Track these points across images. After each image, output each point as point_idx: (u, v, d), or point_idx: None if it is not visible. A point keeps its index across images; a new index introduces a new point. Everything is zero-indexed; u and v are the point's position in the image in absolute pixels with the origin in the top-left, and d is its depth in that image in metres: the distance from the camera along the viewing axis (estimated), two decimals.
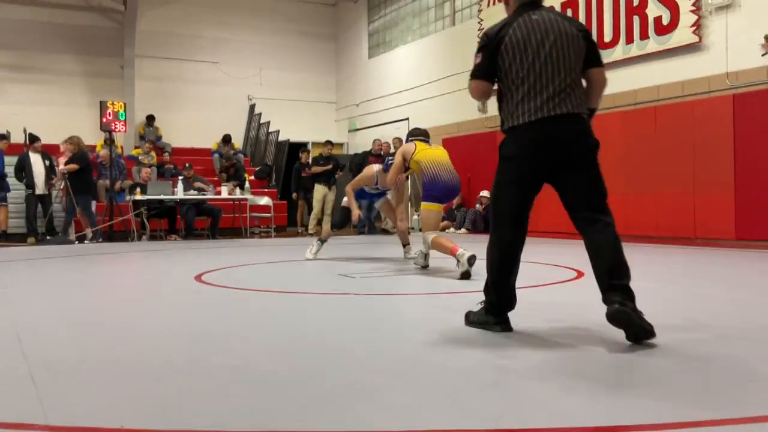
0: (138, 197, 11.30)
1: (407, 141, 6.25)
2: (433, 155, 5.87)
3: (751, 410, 2.06)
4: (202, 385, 2.43)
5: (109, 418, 2.05)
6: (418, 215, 7.04)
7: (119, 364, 2.82)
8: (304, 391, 2.33)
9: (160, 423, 2.00)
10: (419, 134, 6.17)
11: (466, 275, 5.35)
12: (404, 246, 7.08)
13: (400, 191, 6.83)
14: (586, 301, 4.46)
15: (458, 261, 5.36)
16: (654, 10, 9.79)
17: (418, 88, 15.01)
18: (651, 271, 5.98)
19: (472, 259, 5.32)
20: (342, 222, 7.09)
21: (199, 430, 1.92)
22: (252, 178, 15.34)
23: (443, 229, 12.87)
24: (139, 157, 14.08)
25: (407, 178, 6.58)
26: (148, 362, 2.84)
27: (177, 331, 3.53)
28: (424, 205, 5.79)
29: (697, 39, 9.25)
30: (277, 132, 16.29)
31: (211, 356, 2.89)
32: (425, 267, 6.09)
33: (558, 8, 11.32)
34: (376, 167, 6.83)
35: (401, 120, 15.53)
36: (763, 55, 8.51)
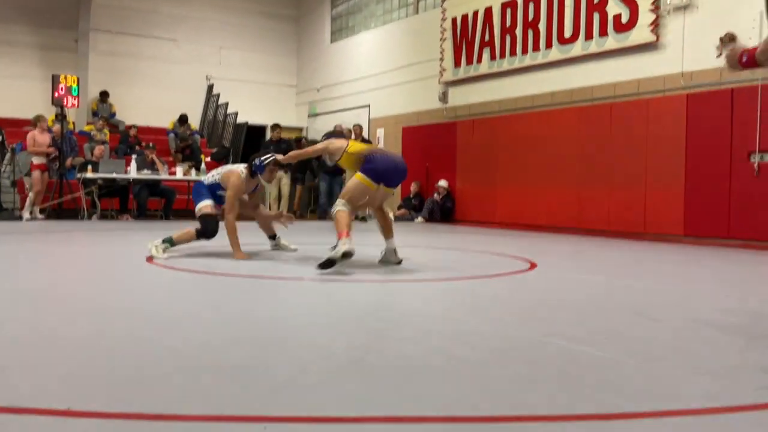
0: (89, 175, 11.03)
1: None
2: (368, 145, 5.60)
3: (698, 402, 2.11)
4: (150, 368, 2.39)
5: (55, 399, 2.00)
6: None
7: (65, 345, 2.75)
8: (254, 376, 2.31)
9: (107, 405, 1.96)
10: (341, 135, 5.87)
11: (326, 264, 4.80)
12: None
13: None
14: (538, 291, 4.53)
15: (335, 246, 4.86)
16: (614, 7, 9.93)
17: (380, 75, 14.97)
18: (601, 265, 6.11)
19: (346, 255, 4.78)
20: (212, 233, 5.99)
21: (146, 413, 1.89)
22: (208, 159, 15.11)
23: (400, 217, 12.92)
24: (92, 134, 13.73)
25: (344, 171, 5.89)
26: (95, 344, 2.78)
27: (126, 313, 3.46)
28: (358, 175, 5.12)
29: (654, 38, 9.42)
30: (236, 114, 16.07)
31: (160, 339, 2.85)
32: (399, 263, 5.54)
33: (521, 4, 11.42)
34: (239, 170, 5.97)
35: (362, 107, 15.48)
36: (717, 57, 8.70)
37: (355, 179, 5.13)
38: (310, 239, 7.81)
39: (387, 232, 5.60)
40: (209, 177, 6.15)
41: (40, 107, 14.27)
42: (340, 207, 5.03)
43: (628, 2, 9.74)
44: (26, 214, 10.88)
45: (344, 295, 4.18)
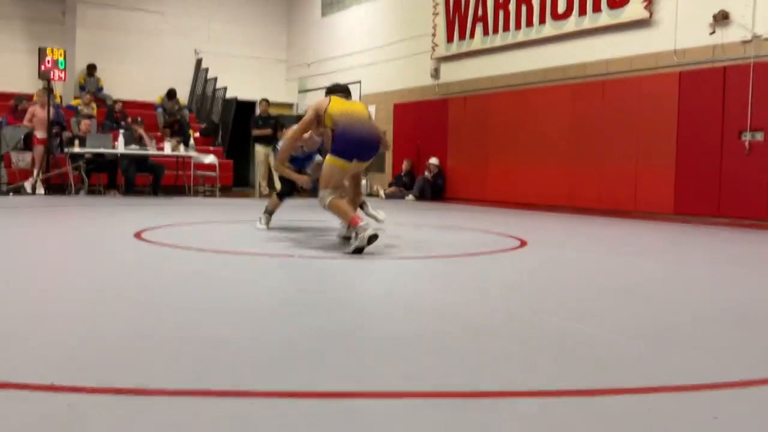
0: (76, 150, 10.91)
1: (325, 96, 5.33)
2: (349, 107, 5.05)
3: (684, 379, 2.11)
4: (136, 343, 2.36)
5: (38, 374, 1.97)
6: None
7: (49, 320, 2.72)
8: (241, 352, 2.29)
9: (90, 380, 1.94)
10: (338, 90, 5.37)
11: (357, 251, 4.62)
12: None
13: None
14: (528, 268, 4.53)
15: (356, 234, 4.63)
16: None
17: (371, 51, 14.84)
18: (592, 243, 6.11)
19: (372, 239, 4.57)
20: (289, 192, 6.26)
21: (129, 388, 1.87)
22: (197, 135, 14.99)
23: (391, 195, 12.88)
24: (79, 108, 13.57)
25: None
26: (80, 319, 2.75)
27: (113, 288, 3.42)
28: (328, 158, 4.88)
29: (648, 15, 9.36)
30: (225, 89, 15.91)
31: (146, 315, 2.82)
32: (348, 238, 5.11)
33: None
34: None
35: (353, 82, 15.33)
36: (711, 34, 8.67)
37: (327, 163, 4.89)
38: (300, 216, 7.77)
39: (354, 201, 5.42)
40: None
41: (27, 80, 14.10)
42: (329, 198, 4.82)
43: None
44: (29, 188, 10.87)
45: (333, 273, 4.16)
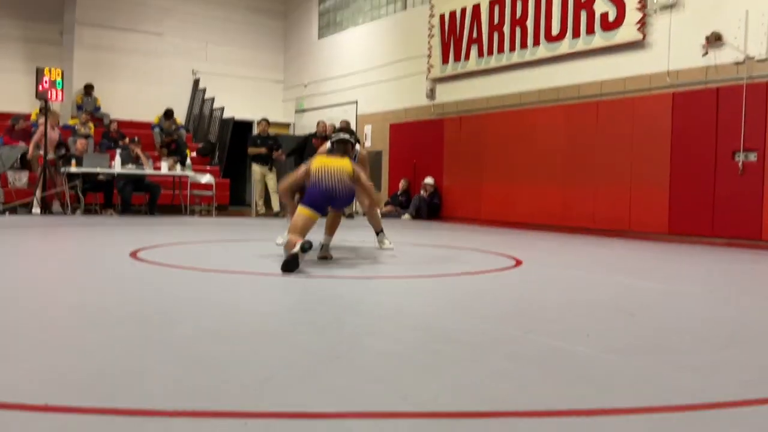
0: (73, 169, 10.93)
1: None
2: (327, 163, 5.40)
3: (677, 399, 2.12)
4: (132, 363, 2.37)
5: (33, 394, 1.97)
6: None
7: (45, 339, 2.72)
8: (235, 372, 2.29)
9: (84, 401, 1.94)
10: (339, 133, 5.77)
11: (289, 264, 4.79)
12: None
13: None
14: (523, 288, 4.54)
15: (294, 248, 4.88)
16: (601, 5, 9.96)
17: (368, 72, 14.94)
18: (586, 261, 6.12)
19: (284, 266, 4.81)
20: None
21: (124, 409, 1.87)
22: (194, 154, 15.03)
23: (387, 214, 12.92)
24: (76, 128, 13.61)
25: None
26: (76, 339, 2.75)
27: (108, 308, 3.43)
28: (299, 207, 5.27)
29: (641, 36, 9.45)
30: (222, 109, 15.98)
31: (142, 334, 2.82)
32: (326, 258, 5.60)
33: (508, 1, 11.42)
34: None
35: (349, 103, 15.44)
36: (703, 55, 8.76)
37: (298, 211, 5.21)
38: None
39: (329, 229, 5.73)
40: None
41: (24, 100, 14.16)
42: (286, 239, 5.12)
43: (615, 1, 9.77)
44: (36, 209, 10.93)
45: (327, 292, 4.17)
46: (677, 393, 2.18)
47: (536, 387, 2.21)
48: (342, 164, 5.44)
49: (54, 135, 11.43)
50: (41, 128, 11.47)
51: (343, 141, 5.65)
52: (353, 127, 14.07)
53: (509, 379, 2.29)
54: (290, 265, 4.73)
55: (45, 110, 11.53)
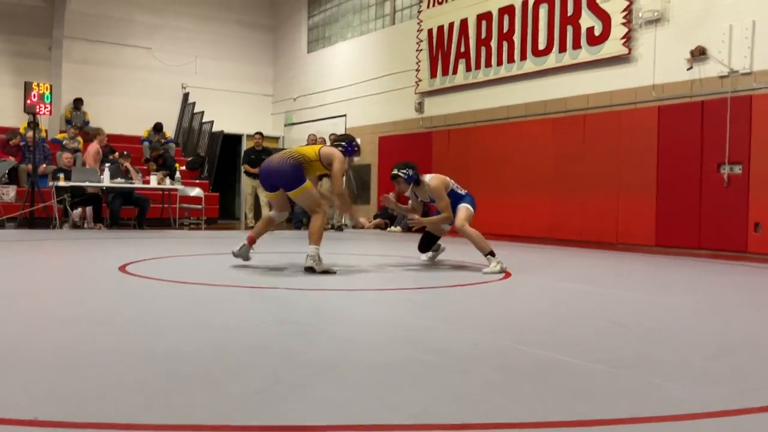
0: (61, 183, 10.88)
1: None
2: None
3: (667, 409, 2.14)
4: (122, 377, 2.36)
5: (22, 409, 1.97)
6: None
7: (35, 353, 2.71)
8: (228, 385, 2.29)
9: (74, 415, 1.93)
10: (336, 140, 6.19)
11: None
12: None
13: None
14: (512, 299, 4.56)
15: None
16: (587, 20, 10.07)
17: (356, 86, 15.00)
18: (576, 274, 6.16)
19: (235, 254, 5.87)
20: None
21: (114, 423, 1.87)
22: (183, 168, 15.01)
23: (377, 227, 12.93)
24: (64, 142, 13.57)
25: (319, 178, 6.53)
26: (65, 353, 2.74)
27: (97, 321, 3.42)
28: None
29: (626, 51, 9.56)
30: (211, 122, 15.99)
31: (132, 349, 2.82)
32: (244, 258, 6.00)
33: (496, 16, 11.52)
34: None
35: (338, 116, 15.49)
36: (688, 69, 8.87)
37: None
38: (285, 249, 7.77)
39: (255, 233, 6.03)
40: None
41: (12, 114, 14.12)
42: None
43: (600, 15, 9.89)
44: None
45: (316, 304, 4.17)
46: (666, 404, 2.20)
47: (527, 398, 2.23)
48: (300, 148, 5.92)
49: (101, 153, 12.15)
50: (90, 146, 12.13)
51: (393, 176, 6.25)
52: None
53: (500, 391, 2.30)
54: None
55: (33, 124, 11.50)
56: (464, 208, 6.25)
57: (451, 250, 7.21)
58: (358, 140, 6.41)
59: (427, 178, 6.34)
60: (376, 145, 14.16)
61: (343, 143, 5.96)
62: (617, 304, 4.42)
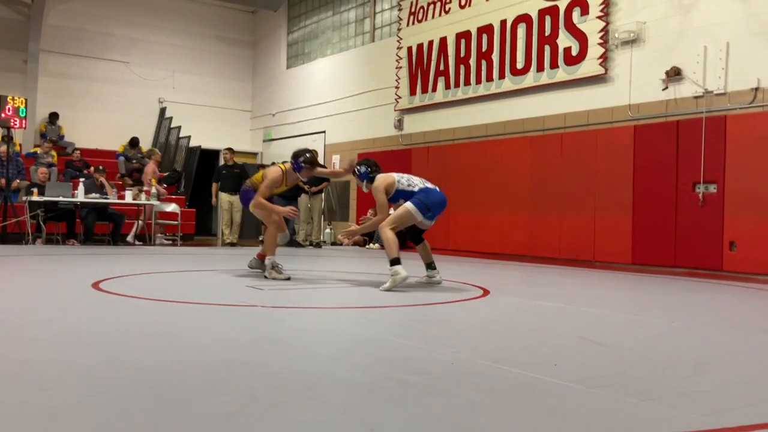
0: (34, 198, 10.72)
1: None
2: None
3: (644, 429, 2.13)
4: (93, 397, 2.31)
5: None
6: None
7: (4, 373, 2.64)
8: (203, 406, 2.24)
9: None
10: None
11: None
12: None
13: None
14: (490, 317, 4.55)
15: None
16: (564, 40, 10.20)
17: (336, 102, 15.03)
18: (554, 293, 6.17)
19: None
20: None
21: None
22: (160, 183, 14.87)
23: (355, 244, 12.90)
24: (38, 155, 13.39)
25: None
26: (36, 372, 2.67)
27: (69, 340, 3.34)
28: None
29: (603, 71, 9.69)
30: (189, 138, 15.91)
31: (104, 368, 2.76)
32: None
33: (474, 35, 11.63)
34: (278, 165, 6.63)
35: (318, 132, 15.49)
36: (663, 90, 9.00)
37: None
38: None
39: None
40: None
41: None
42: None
43: (577, 36, 10.02)
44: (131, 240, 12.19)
45: (294, 323, 4.13)
46: (643, 423, 2.20)
47: (506, 418, 2.21)
48: (256, 174, 6.53)
49: (158, 171, 12.82)
50: (148, 167, 12.81)
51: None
52: (321, 157, 14.10)
53: (479, 411, 2.28)
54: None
55: (8, 138, 11.34)
56: (401, 209, 5.98)
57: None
58: (317, 153, 6.64)
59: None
60: (355, 162, 14.14)
61: (291, 160, 6.38)
62: (594, 323, 4.43)
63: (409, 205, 5.94)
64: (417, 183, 6.15)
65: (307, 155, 6.34)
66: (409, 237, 6.47)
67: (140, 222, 12.36)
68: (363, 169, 6.24)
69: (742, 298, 6.22)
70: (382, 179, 6.10)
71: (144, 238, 12.33)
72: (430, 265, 6.37)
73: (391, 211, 6.24)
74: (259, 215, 6.47)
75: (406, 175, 6.24)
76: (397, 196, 6.09)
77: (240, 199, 6.69)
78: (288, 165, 6.44)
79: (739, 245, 8.19)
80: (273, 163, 12.74)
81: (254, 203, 6.26)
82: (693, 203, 8.59)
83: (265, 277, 6.21)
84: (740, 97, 8.31)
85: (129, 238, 12.23)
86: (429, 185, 6.17)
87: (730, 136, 8.28)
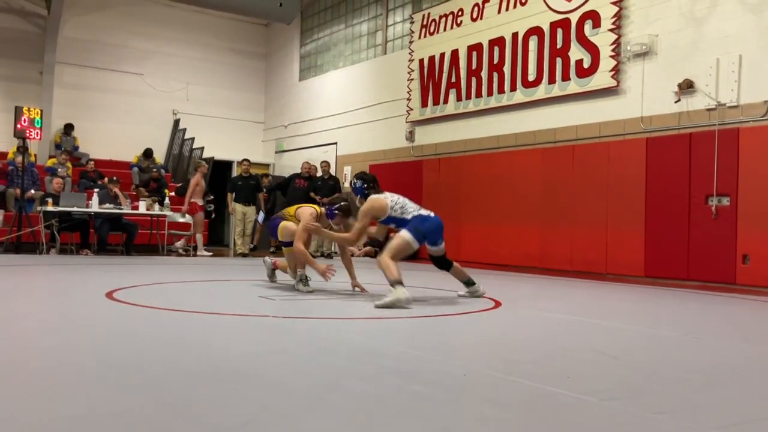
0: (49, 208, 10.82)
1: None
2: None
3: None
4: (104, 407, 2.32)
5: None
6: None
7: (18, 382, 2.67)
8: (214, 415, 2.26)
9: None
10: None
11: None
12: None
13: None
14: (502, 329, 4.54)
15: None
16: (576, 53, 10.20)
17: (347, 114, 15.09)
18: (566, 305, 6.15)
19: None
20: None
21: None
22: (172, 194, 14.97)
23: (366, 254, 12.92)
24: (55, 167, 13.52)
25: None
26: (50, 381, 2.70)
27: (83, 349, 3.37)
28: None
29: (615, 83, 9.68)
30: (202, 149, 16.01)
31: (116, 377, 2.78)
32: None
33: (486, 47, 11.66)
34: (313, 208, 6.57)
35: (329, 144, 15.55)
36: (676, 102, 8.98)
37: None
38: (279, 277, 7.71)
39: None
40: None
41: (2, 139, 14.08)
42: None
43: (589, 48, 10.02)
44: (180, 248, 12.63)
45: (305, 333, 4.14)
46: None
47: (518, 431, 2.21)
48: (289, 208, 6.69)
49: (203, 183, 12.83)
50: (194, 179, 12.78)
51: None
52: (333, 168, 14.15)
53: (490, 423, 2.28)
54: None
55: (23, 149, 11.47)
56: (398, 239, 5.70)
57: (440, 278, 7.20)
58: (350, 198, 6.51)
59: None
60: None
61: (327, 206, 6.31)
62: (606, 335, 4.41)
63: (405, 234, 5.68)
64: (411, 210, 5.87)
65: (342, 204, 6.16)
66: (437, 266, 6.36)
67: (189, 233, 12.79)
68: (359, 183, 6.11)
69: (755, 311, 6.17)
70: (372, 202, 5.86)
71: (157, 248, 12.39)
72: (468, 282, 6.29)
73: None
74: (286, 238, 6.40)
75: (400, 200, 5.95)
76: (389, 221, 5.93)
77: (269, 225, 7.02)
78: (322, 209, 6.38)
79: (752, 258, 8.13)
80: (308, 170, 12.97)
81: (295, 249, 6.19)
82: (706, 216, 8.54)
83: (294, 288, 6.36)
84: (753, 109, 8.27)
85: (178, 246, 12.77)
86: (423, 212, 5.91)
87: (743, 149, 8.24)
